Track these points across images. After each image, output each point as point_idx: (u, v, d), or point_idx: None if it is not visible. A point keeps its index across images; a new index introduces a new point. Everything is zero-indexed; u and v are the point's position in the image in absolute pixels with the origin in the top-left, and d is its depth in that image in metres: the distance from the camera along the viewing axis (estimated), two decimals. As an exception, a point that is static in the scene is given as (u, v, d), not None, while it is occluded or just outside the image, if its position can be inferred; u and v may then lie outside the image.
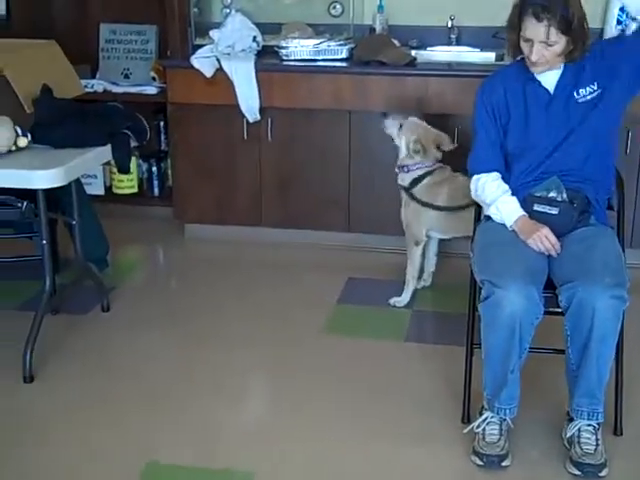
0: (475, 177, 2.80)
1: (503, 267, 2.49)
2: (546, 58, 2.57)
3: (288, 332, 3.45)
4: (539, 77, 2.67)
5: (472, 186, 2.81)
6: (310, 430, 2.75)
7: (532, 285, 2.43)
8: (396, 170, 3.63)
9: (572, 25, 2.50)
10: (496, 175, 2.75)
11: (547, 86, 2.67)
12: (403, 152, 3.58)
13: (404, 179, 3.59)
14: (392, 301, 3.64)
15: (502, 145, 2.75)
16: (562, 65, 2.64)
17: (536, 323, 2.47)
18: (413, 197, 3.55)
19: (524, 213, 2.65)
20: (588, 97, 2.62)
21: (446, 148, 3.56)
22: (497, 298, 2.41)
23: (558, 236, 2.59)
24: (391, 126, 3.62)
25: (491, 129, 2.75)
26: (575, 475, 2.47)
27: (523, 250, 2.58)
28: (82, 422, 2.79)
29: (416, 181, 3.56)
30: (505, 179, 2.75)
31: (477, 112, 2.78)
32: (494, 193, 2.72)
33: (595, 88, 2.62)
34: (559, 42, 2.53)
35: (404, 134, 3.57)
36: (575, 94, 2.63)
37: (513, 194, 2.70)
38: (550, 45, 2.53)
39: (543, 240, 2.57)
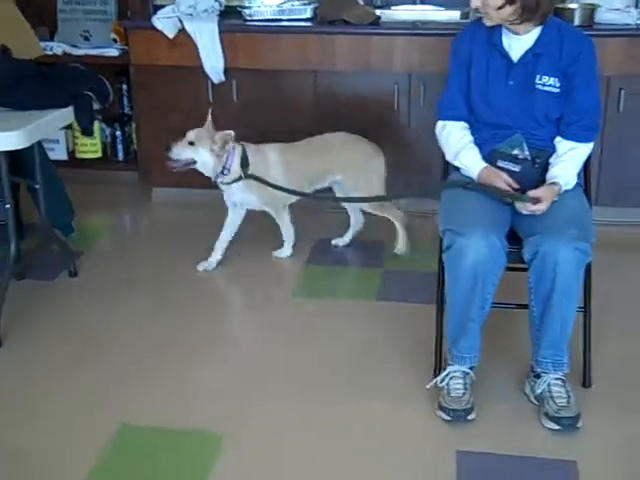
0: (441, 123, 2.80)
1: (466, 217, 2.52)
2: (486, 10, 2.57)
3: (259, 295, 3.46)
4: (506, 42, 2.66)
5: (437, 130, 2.82)
6: (283, 392, 2.76)
7: (494, 234, 2.46)
8: (218, 181, 3.51)
9: None
10: (461, 125, 2.76)
11: (512, 54, 2.66)
12: (211, 162, 3.43)
13: (232, 176, 3.49)
14: (276, 253, 3.77)
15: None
16: (534, 39, 2.62)
17: (499, 273, 2.50)
18: (256, 177, 3.44)
19: (486, 165, 2.67)
20: (546, 88, 2.63)
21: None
22: (459, 246, 2.45)
23: (521, 191, 2.60)
24: (182, 150, 3.43)
25: (459, 79, 2.75)
26: (553, 430, 2.51)
27: (486, 202, 2.60)
28: (52, 387, 2.79)
29: (244, 164, 3.48)
30: (471, 129, 2.76)
31: (450, 59, 2.80)
32: (457, 145, 2.73)
33: (555, 84, 2.63)
34: None
35: (201, 146, 3.42)
36: (537, 78, 2.63)
37: (478, 147, 2.71)
38: None
39: (498, 180, 2.60)
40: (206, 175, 3.51)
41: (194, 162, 3.45)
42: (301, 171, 3.59)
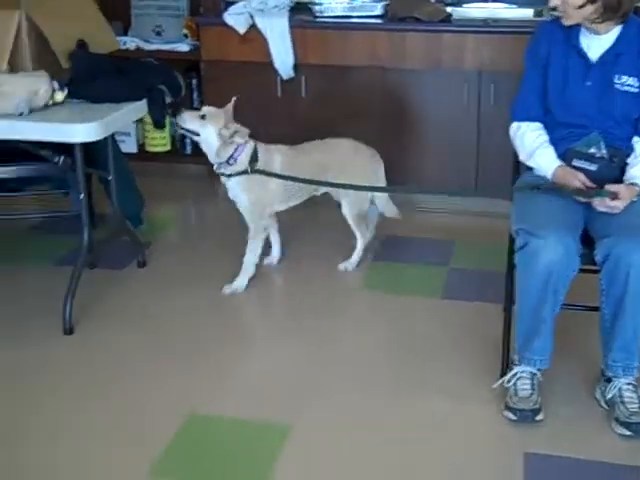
0: (515, 124, 2.77)
1: (541, 217, 2.49)
2: (564, 9, 2.53)
3: (326, 289, 3.46)
4: (584, 42, 2.62)
5: (511, 131, 2.79)
6: (349, 385, 2.77)
7: (570, 236, 2.42)
8: (220, 170, 3.36)
9: None
10: (536, 125, 2.73)
11: (590, 54, 2.62)
12: (215, 144, 3.29)
13: (237, 168, 3.33)
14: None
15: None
16: (614, 39, 2.58)
17: (572, 276, 2.46)
18: (262, 171, 3.31)
19: (561, 163, 2.63)
20: (625, 88, 2.58)
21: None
22: (533, 247, 2.41)
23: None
24: (190, 119, 3.31)
25: (536, 79, 2.72)
26: (624, 435, 2.47)
27: (560, 202, 2.56)
28: (122, 374, 2.84)
29: (253, 159, 3.33)
30: (546, 129, 2.72)
31: (526, 60, 2.76)
32: (532, 144, 2.70)
33: (634, 83, 2.58)
34: None
35: (210, 123, 3.28)
36: (616, 78, 2.59)
37: (553, 146, 2.67)
38: None
39: (574, 180, 2.56)
40: (208, 157, 3.37)
41: (197, 135, 3.32)
42: (302, 173, 3.38)
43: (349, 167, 3.49)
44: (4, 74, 2.97)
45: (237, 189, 3.39)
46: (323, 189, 3.53)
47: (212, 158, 3.35)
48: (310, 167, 3.42)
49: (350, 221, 3.55)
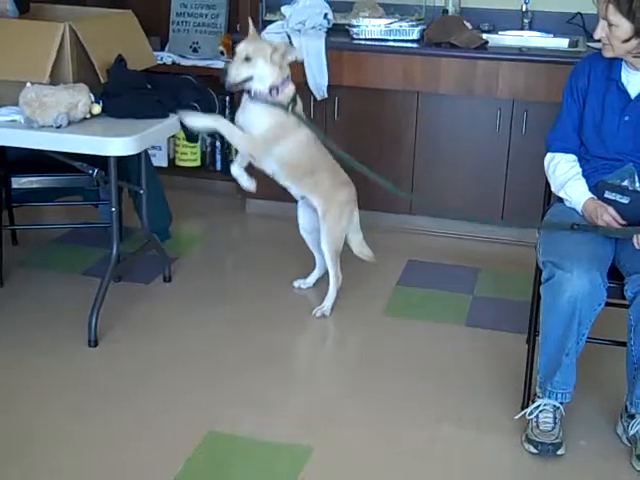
0: (550, 155, 2.77)
1: (568, 250, 2.47)
2: (609, 41, 2.52)
3: (349, 313, 3.45)
4: (624, 77, 2.62)
5: (545, 162, 2.79)
6: (370, 410, 2.77)
7: (596, 270, 2.40)
8: (267, 98, 3.08)
9: (632, 7, 2.42)
10: (571, 157, 2.73)
11: (630, 89, 2.61)
12: (273, 75, 3.05)
13: (278, 98, 3.09)
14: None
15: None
16: None
17: (598, 310, 2.45)
18: (299, 115, 3.15)
19: (592, 196, 2.61)
20: None
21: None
22: (559, 280, 2.40)
23: (628, 226, 2.54)
24: (237, 69, 3.04)
25: (574, 111, 2.72)
26: None
27: (590, 235, 2.55)
28: (143, 387, 2.85)
29: (294, 99, 3.14)
30: (580, 162, 2.72)
31: (565, 91, 2.76)
32: (564, 175, 2.69)
33: None
34: (620, 25, 2.46)
35: (257, 57, 3.03)
36: None
37: (586, 178, 2.67)
38: (610, 25, 2.48)
39: (604, 214, 2.53)
40: (256, 90, 3.09)
41: (251, 78, 3.06)
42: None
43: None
44: (46, 85, 3.01)
45: (254, 114, 3.14)
46: None
47: (265, 88, 3.08)
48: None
49: (327, 258, 3.40)
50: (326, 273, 3.48)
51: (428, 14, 4.33)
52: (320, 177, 3.34)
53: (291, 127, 3.18)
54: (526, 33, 4.27)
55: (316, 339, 3.29)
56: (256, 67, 3.05)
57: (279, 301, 3.52)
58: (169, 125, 3.19)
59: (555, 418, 2.56)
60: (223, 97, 4.84)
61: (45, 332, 3.18)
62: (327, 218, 3.35)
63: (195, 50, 4.85)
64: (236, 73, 3.05)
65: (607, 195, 2.59)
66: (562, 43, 4.14)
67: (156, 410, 2.73)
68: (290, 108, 3.13)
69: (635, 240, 2.48)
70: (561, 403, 2.57)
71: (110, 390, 2.84)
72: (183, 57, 4.74)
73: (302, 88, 4.09)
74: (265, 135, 3.14)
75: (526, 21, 4.29)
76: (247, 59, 3.05)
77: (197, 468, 2.44)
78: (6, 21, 3.29)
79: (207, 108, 3.43)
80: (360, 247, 3.55)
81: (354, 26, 4.14)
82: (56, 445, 2.53)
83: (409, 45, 4.09)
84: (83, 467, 2.44)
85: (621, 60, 2.60)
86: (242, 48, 3.07)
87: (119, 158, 3.08)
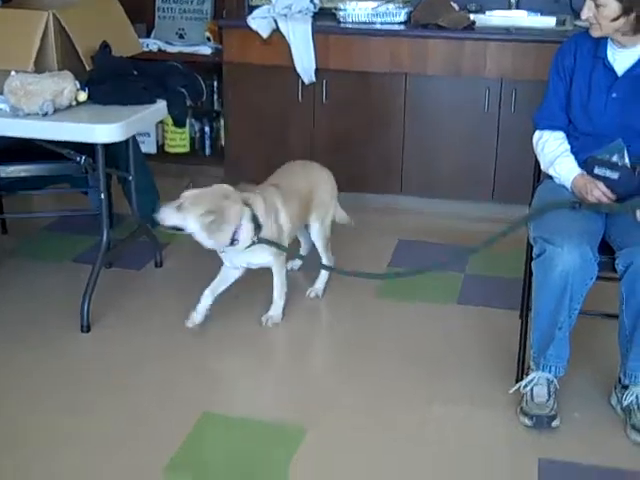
0: (538, 133, 2.78)
1: (558, 225, 2.48)
2: (597, 21, 2.52)
3: (341, 296, 3.46)
4: (611, 55, 2.62)
5: (534, 140, 2.79)
6: (363, 393, 2.77)
7: (587, 245, 2.41)
8: (238, 247, 2.95)
9: None
10: (559, 134, 2.73)
11: (617, 67, 2.61)
12: (203, 234, 2.87)
13: (242, 245, 2.95)
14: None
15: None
16: None
17: (589, 284, 2.46)
18: (268, 241, 2.99)
19: (581, 171, 2.62)
20: None
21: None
22: (550, 255, 2.41)
23: (618, 201, 2.56)
24: (169, 214, 2.85)
25: (560, 90, 2.72)
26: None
27: (580, 211, 2.55)
28: (137, 372, 2.86)
29: (256, 227, 2.96)
30: (569, 138, 2.72)
31: (551, 70, 2.76)
32: (553, 153, 2.69)
33: None
34: (607, 5, 2.46)
35: (188, 213, 2.84)
36: None
37: (575, 154, 2.67)
38: (598, 5, 2.48)
39: (594, 189, 2.54)
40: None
41: (183, 230, 2.90)
42: (297, 207, 3.22)
43: (322, 192, 3.38)
44: (30, 73, 3.00)
45: (250, 255, 3.06)
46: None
47: (213, 246, 2.97)
48: (299, 200, 3.24)
49: (319, 245, 3.39)
50: (315, 249, 3.47)
51: (414, -4, 4.33)
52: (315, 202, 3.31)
53: (277, 208, 3.09)
54: (513, 12, 4.26)
55: (309, 321, 3.29)
56: (185, 221, 2.86)
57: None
58: (156, 110, 3.19)
59: (549, 391, 2.57)
60: (210, 82, 4.84)
61: (37, 321, 3.17)
62: (324, 222, 3.38)
63: (181, 36, 4.82)
64: (166, 217, 2.88)
65: (597, 171, 2.59)
66: (550, 22, 4.13)
67: (150, 393, 2.73)
68: (258, 239, 2.95)
69: (638, 215, 2.48)
70: (555, 376, 2.59)
71: (104, 374, 2.84)
72: (169, 44, 4.71)
73: (290, 73, 4.11)
74: (276, 250, 3.08)
75: (513, 1, 4.29)
76: (179, 206, 2.86)
77: (193, 448, 2.45)
78: (-10, 10, 3.28)
79: (194, 93, 3.43)
80: (337, 212, 3.51)
81: (341, 9, 4.14)
82: (50, 429, 2.53)
83: (396, 27, 4.10)
84: (78, 450, 2.44)
85: (607, 38, 2.60)
86: (186, 194, 2.91)
87: (107, 145, 3.06)
